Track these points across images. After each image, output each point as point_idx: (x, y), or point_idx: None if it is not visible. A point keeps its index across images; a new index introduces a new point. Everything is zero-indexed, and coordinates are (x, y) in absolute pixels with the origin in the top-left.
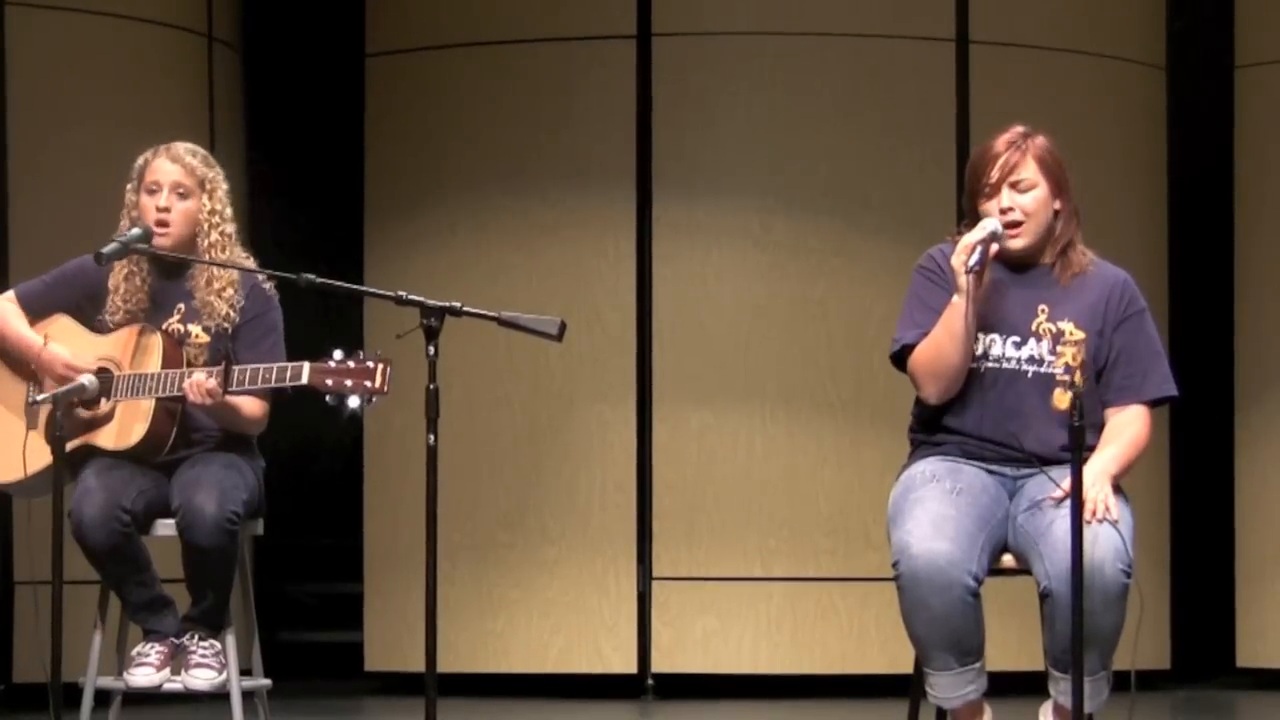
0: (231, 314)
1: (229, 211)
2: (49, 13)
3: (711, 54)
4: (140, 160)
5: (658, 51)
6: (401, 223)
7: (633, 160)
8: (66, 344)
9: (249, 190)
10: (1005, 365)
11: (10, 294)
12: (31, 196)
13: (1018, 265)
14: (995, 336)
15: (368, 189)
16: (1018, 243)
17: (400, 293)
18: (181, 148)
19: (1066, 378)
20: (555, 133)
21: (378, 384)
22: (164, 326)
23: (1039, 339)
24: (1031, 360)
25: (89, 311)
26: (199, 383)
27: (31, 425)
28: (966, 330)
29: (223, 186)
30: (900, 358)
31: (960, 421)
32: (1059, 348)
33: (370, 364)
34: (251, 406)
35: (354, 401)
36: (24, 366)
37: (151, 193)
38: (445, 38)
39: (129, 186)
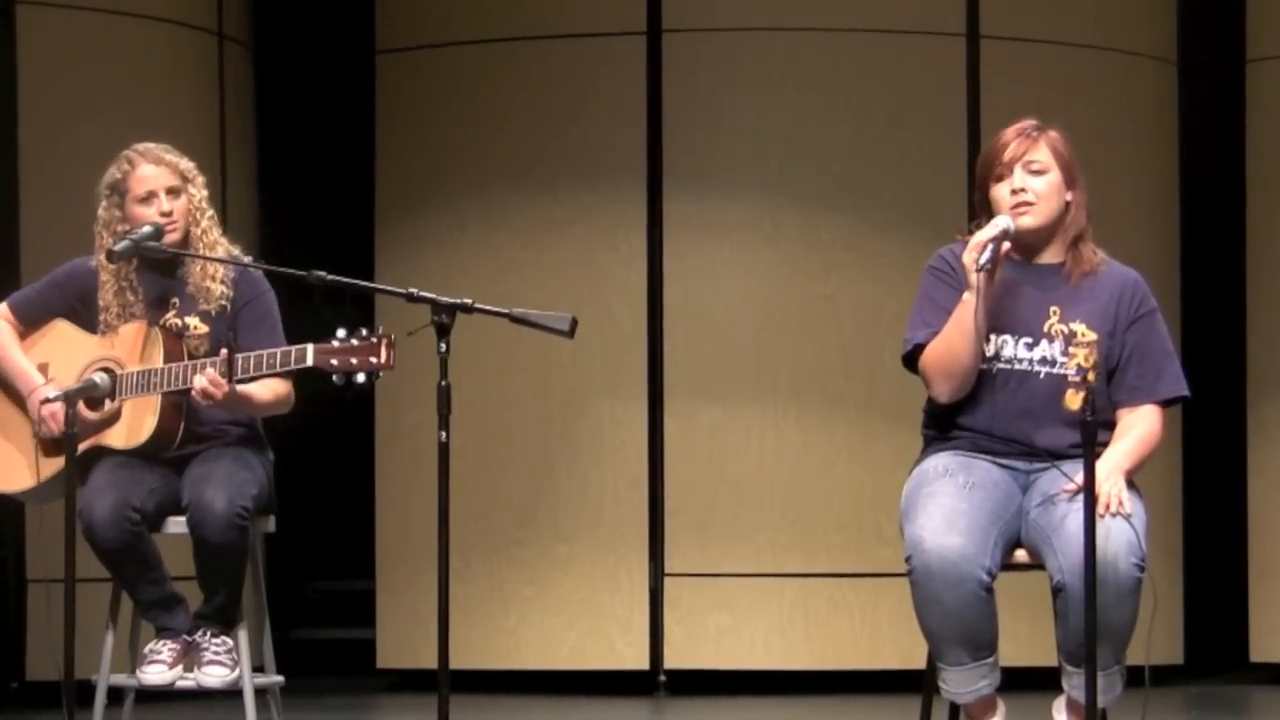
0: (226, 292)
1: (207, 193)
2: (60, 11)
3: (722, 50)
4: (115, 174)
5: (668, 48)
6: (412, 220)
7: (643, 156)
8: (66, 346)
9: (259, 187)
10: (1017, 366)
11: (3, 307)
12: (42, 194)
13: (1029, 263)
14: (1007, 337)
15: (378, 186)
16: (1027, 221)
17: (411, 290)
18: (153, 149)
19: (1078, 379)
20: (565, 129)
21: (383, 359)
22: (161, 322)
23: (1051, 340)
24: (1044, 361)
25: (83, 314)
26: (201, 389)
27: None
28: (977, 328)
29: (199, 175)
30: (912, 358)
31: (972, 420)
32: (1071, 349)
33: (374, 340)
34: (273, 391)
35: (361, 378)
36: None
37: (146, 201)
38: (455, 35)
39: (105, 203)
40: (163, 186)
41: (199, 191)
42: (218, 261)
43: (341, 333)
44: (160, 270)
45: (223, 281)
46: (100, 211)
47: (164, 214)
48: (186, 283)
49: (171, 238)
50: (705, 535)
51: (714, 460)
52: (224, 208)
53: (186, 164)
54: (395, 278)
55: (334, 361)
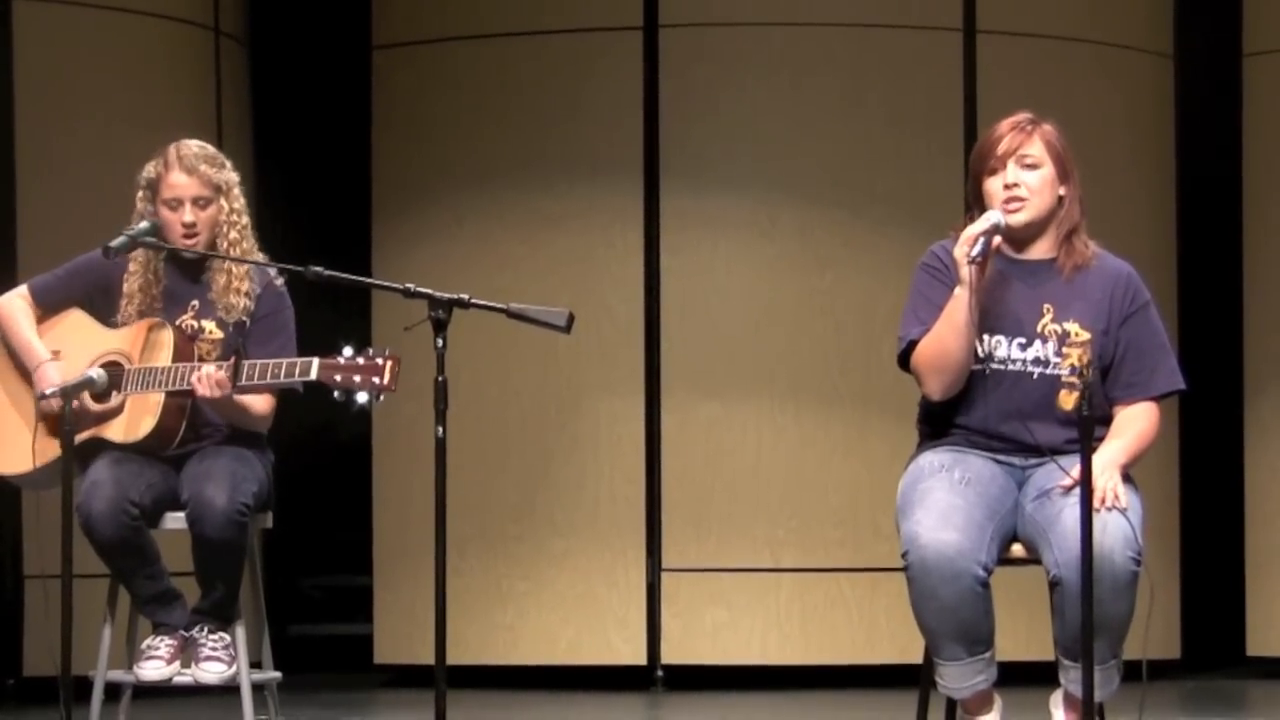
0: (248, 305)
1: (242, 203)
2: (56, 7)
3: (718, 45)
4: (151, 171)
5: (664, 43)
6: (409, 215)
7: (640, 152)
8: (79, 335)
9: (256, 183)
10: (1010, 367)
11: (23, 289)
12: (40, 190)
13: (1021, 258)
14: (1000, 338)
15: (375, 182)
16: (1018, 218)
17: (408, 285)
18: (191, 155)
19: (1073, 379)
20: (562, 125)
21: (385, 381)
22: (177, 322)
23: (1044, 340)
24: (1037, 362)
25: (101, 305)
26: (209, 374)
27: (41, 417)
28: (969, 322)
29: (237, 185)
30: (907, 355)
31: (967, 419)
32: (1065, 349)
33: (379, 361)
34: (258, 404)
35: (362, 397)
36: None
37: (173, 208)
38: (452, 30)
39: (140, 194)
40: (190, 196)
41: (230, 203)
42: (216, 258)
43: (348, 350)
44: (185, 271)
45: (246, 294)
46: (137, 201)
47: (185, 224)
48: (209, 288)
49: (189, 245)
50: (702, 530)
51: (711, 455)
52: None
53: (223, 176)
54: (392, 273)
55: (337, 377)
